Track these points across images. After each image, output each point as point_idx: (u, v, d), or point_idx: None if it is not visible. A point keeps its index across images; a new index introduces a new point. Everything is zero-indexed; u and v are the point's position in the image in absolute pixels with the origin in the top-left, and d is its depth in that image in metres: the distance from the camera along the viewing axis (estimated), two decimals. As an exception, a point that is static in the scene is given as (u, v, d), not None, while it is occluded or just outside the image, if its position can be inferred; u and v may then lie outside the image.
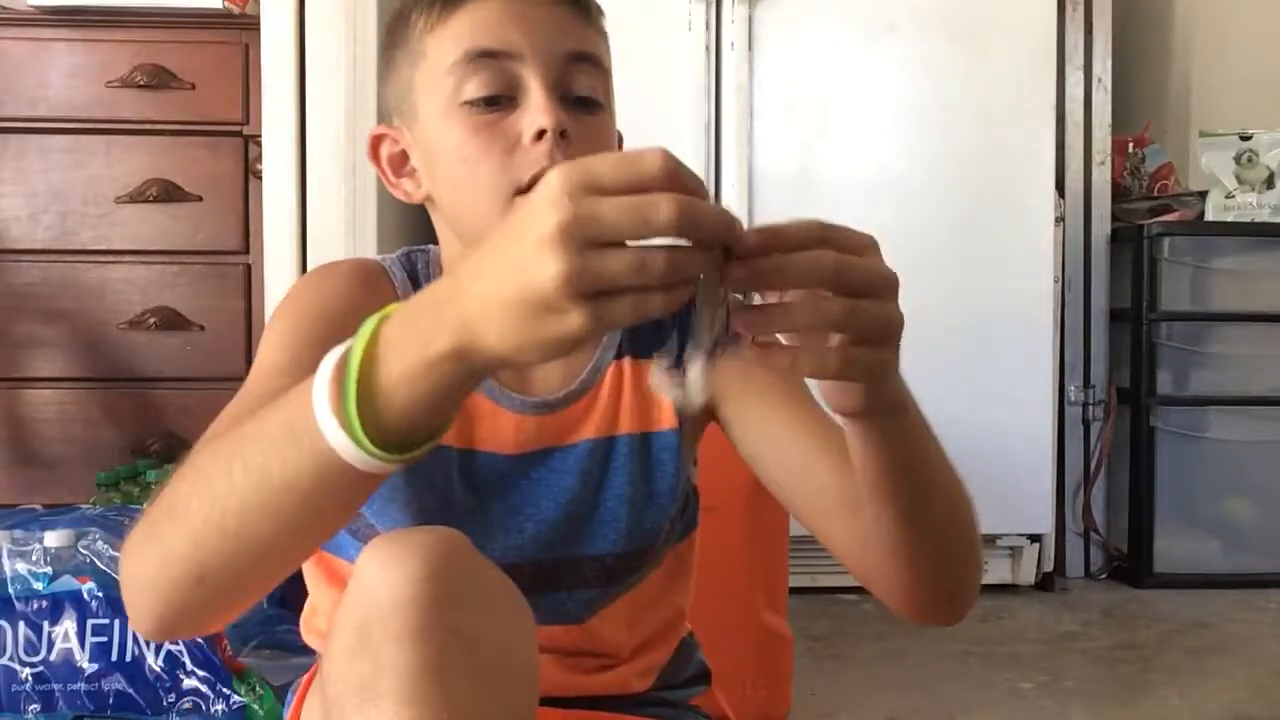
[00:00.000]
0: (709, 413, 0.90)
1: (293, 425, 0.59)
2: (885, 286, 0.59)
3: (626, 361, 0.90)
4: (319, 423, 0.58)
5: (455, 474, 0.85)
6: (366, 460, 0.58)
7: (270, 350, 0.81)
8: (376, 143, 0.89)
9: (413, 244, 0.94)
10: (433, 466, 0.83)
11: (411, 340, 0.57)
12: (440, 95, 0.81)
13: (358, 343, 0.58)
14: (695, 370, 0.57)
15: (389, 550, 0.65)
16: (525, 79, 0.80)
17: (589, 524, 0.87)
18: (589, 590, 0.88)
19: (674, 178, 0.53)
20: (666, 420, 0.89)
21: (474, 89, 0.80)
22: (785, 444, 0.85)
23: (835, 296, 0.57)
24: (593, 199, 0.51)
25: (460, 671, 0.62)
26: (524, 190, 0.79)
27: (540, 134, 0.78)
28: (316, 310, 0.83)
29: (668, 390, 0.58)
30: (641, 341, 0.90)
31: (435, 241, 0.92)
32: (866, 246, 0.60)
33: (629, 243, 0.52)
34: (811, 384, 0.72)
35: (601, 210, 0.51)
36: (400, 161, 0.88)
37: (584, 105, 0.82)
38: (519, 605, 0.69)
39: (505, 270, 0.53)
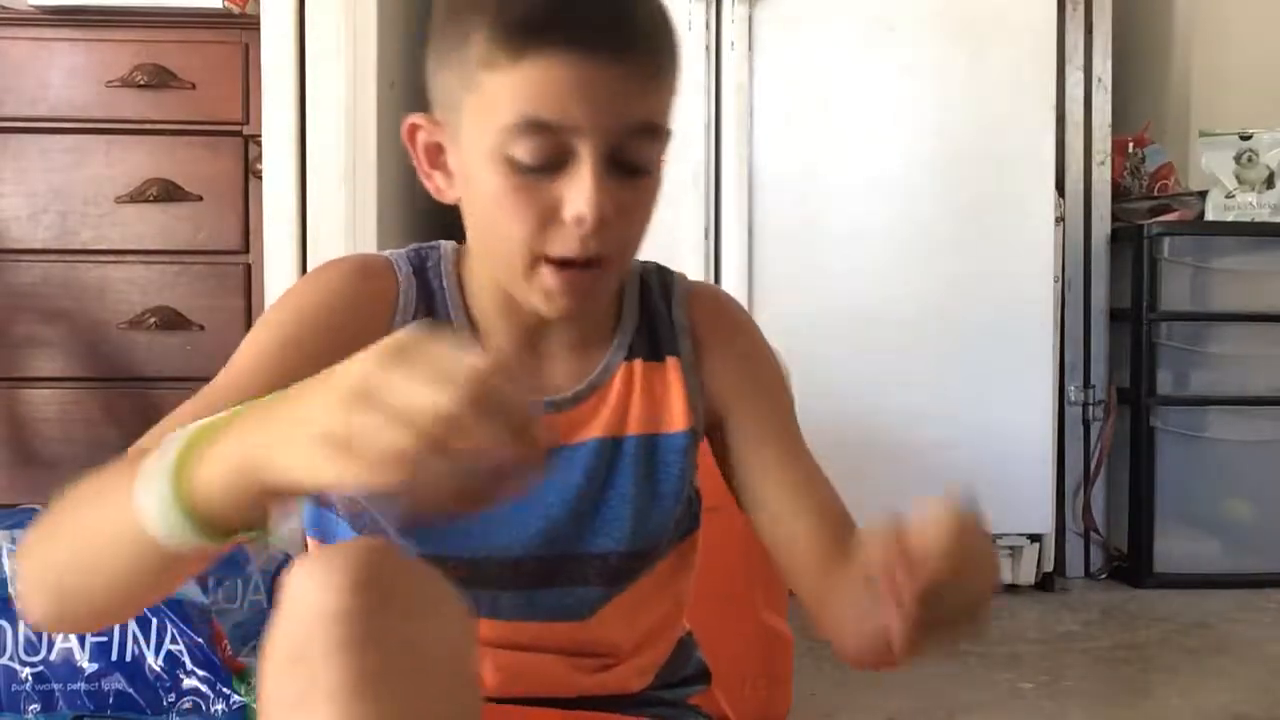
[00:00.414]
0: (714, 419, 0.92)
1: (123, 501, 0.62)
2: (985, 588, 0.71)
3: (638, 364, 0.90)
4: (141, 504, 0.61)
5: None
6: (181, 544, 0.61)
7: (241, 357, 0.83)
8: (413, 130, 0.86)
9: (415, 244, 0.93)
10: None
11: (228, 444, 0.60)
12: (486, 138, 0.78)
13: (185, 438, 0.62)
14: None
15: (317, 565, 0.64)
16: (578, 151, 0.76)
17: (593, 522, 0.87)
18: (591, 588, 0.88)
19: (475, 387, 0.55)
20: (676, 424, 0.89)
21: (522, 154, 0.76)
22: (769, 483, 0.89)
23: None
24: (392, 370, 0.55)
25: (396, 680, 0.61)
26: (551, 261, 0.78)
27: (578, 220, 0.77)
28: (309, 312, 0.84)
29: None
30: (653, 344, 0.91)
31: (440, 239, 0.93)
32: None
33: None
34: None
35: (393, 380, 0.55)
36: (435, 152, 0.85)
37: (633, 172, 0.79)
38: (458, 611, 0.68)
39: (304, 405, 0.58)
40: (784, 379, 0.95)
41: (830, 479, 0.91)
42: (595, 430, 0.88)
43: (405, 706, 0.61)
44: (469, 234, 0.87)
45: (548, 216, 0.78)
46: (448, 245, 0.92)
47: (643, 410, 0.89)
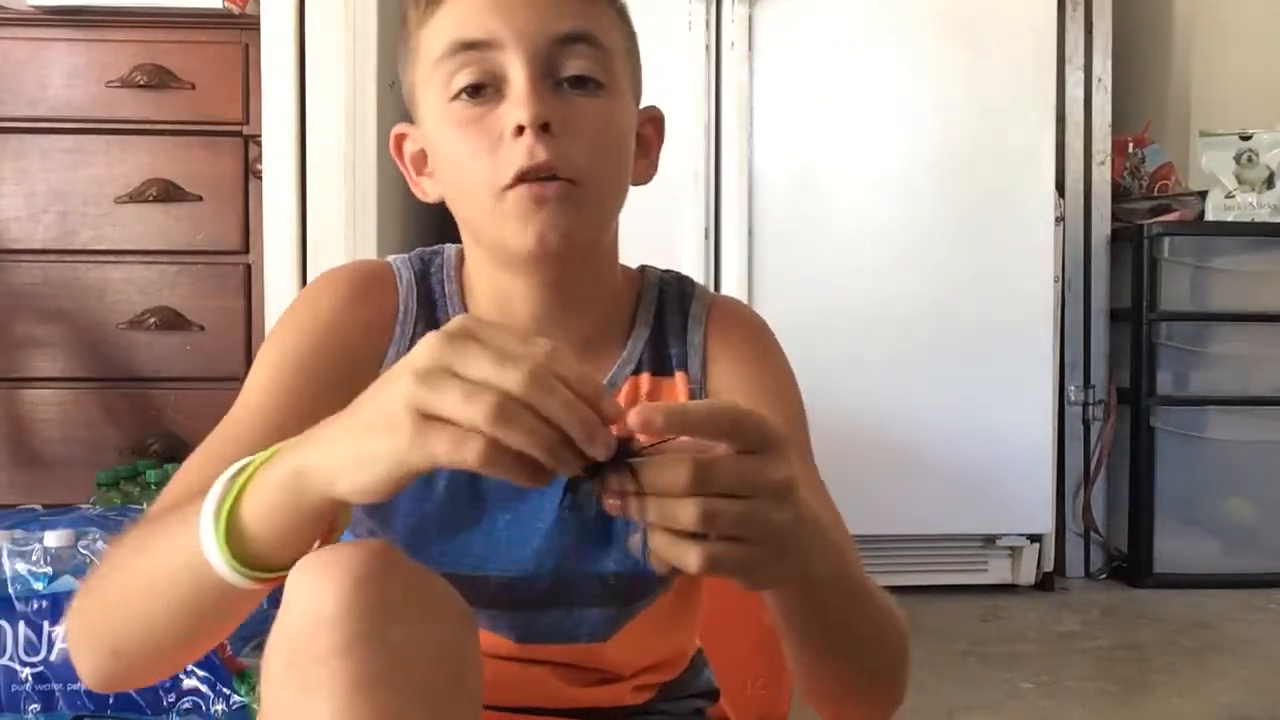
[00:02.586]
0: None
1: (183, 541, 0.64)
2: (762, 489, 0.59)
3: (645, 378, 0.87)
4: (201, 544, 0.63)
5: (456, 484, 0.83)
6: (239, 580, 0.63)
7: (249, 394, 0.82)
8: (399, 141, 0.88)
9: (414, 245, 0.93)
10: (430, 476, 0.82)
11: (270, 472, 0.62)
12: (433, 92, 0.80)
13: (234, 478, 0.63)
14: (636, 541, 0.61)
15: (315, 568, 0.63)
16: (508, 68, 0.78)
17: (596, 543, 0.85)
18: (593, 610, 0.86)
19: (548, 363, 0.56)
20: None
21: (459, 80, 0.78)
22: None
23: (691, 498, 0.58)
24: (463, 345, 0.56)
25: (394, 685, 0.60)
26: (509, 188, 0.77)
27: (520, 129, 0.76)
28: (309, 339, 0.83)
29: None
30: (663, 358, 0.88)
31: (442, 241, 0.92)
32: (767, 444, 0.60)
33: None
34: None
35: (466, 354, 0.56)
36: (422, 160, 0.87)
37: (579, 85, 0.79)
38: (461, 614, 0.66)
39: (367, 407, 0.59)
40: (798, 407, 0.90)
41: (832, 495, 0.86)
42: None
43: (404, 708, 0.60)
44: (459, 225, 0.86)
45: (496, 144, 0.78)
46: (451, 249, 0.90)
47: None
